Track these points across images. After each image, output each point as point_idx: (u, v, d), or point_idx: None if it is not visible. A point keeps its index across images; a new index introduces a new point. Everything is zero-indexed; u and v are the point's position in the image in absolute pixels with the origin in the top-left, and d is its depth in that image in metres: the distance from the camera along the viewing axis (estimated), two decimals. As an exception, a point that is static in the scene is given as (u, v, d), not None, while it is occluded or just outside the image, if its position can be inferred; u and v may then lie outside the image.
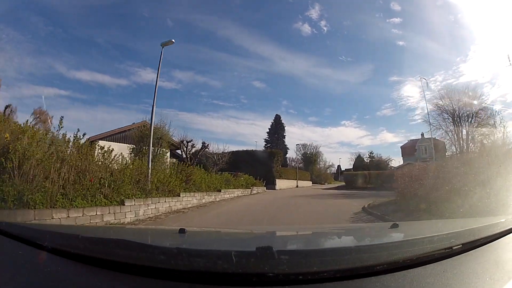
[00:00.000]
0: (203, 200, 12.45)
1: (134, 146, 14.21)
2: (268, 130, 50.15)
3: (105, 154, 7.74)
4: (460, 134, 23.86)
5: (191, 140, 21.55)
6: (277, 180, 29.42)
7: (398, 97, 71.12)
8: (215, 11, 57.93)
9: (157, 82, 11.27)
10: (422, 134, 37.28)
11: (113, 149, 8.22)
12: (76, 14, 46.65)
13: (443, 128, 24.61)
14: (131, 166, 8.62)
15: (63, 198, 5.76)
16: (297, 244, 1.48)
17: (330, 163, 61.19)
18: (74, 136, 7.12)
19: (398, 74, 59.66)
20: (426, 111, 23.67)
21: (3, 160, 5.09)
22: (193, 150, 21.69)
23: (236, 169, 21.75)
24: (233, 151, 29.65)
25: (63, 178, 5.89)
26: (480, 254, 1.01)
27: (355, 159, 53.89)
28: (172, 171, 11.60)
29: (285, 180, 32.25)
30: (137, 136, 14.55)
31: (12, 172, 5.11)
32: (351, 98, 69.24)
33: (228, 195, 15.66)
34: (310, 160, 50.02)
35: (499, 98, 23.99)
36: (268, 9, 55.92)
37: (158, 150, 13.92)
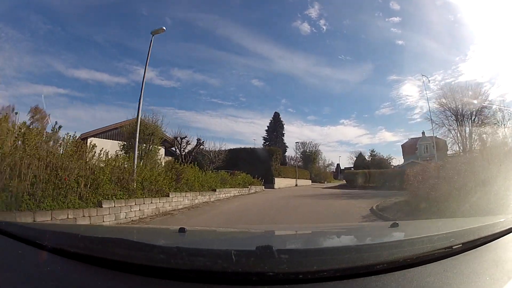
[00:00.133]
0: (196, 201, 11.59)
1: (125, 143, 13.47)
2: (266, 128, 49.94)
3: (86, 149, 7.07)
4: (464, 132, 23.49)
5: (185, 137, 20.79)
6: (276, 179, 29.05)
7: (397, 96, 71.22)
8: (214, 10, 58.13)
9: (146, 71, 10.89)
10: (423, 133, 37.30)
11: (95, 144, 7.65)
12: (75, 12, 46.77)
13: (446, 126, 24.29)
14: (114, 163, 7.77)
15: (29, 199, 5.09)
16: (297, 243, 1.48)
17: (330, 162, 61.26)
18: (52, 129, 6.57)
19: (397, 73, 59.86)
20: (425, 110, 23.69)
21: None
22: (188, 147, 21.07)
23: (233, 168, 21.14)
24: (230, 149, 29.14)
25: (34, 176, 5.20)
26: (480, 254, 1.01)
27: (356, 158, 53.73)
28: (162, 169, 10.82)
29: (284, 178, 31.90)
30: (128, 132, 13.53)
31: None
32: (350, 97, 69.43)
33: (223, 195, 14.84)
34: (309, 158, 49.82)
35: (499, 98, 23.77)
36: (268, 8, 55.96)
37: (150, 147, 13.31)
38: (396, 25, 54.89)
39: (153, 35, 10.89)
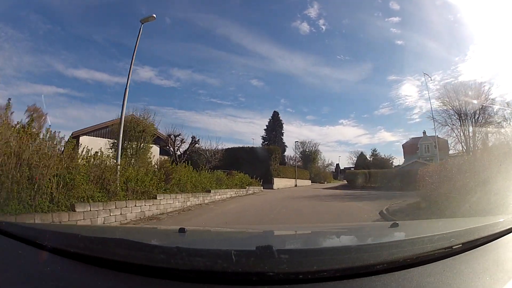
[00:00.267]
0: (188, 203, 10.59)
1: (115, 141, 12.42)
2: (265, 128, 49.42)
3: (69, 146, 6.39)
4: (467, 131, 23.07)
5: (179, 134, 19.97)
6: (275, 179, 28.44)
7: (396, 96, 71.56)
8: (213, 9, 58.17)
9: (133, 60, 10.03)
10: (424, 132, 37.22)
11: (74, 140, 7.15)
12: (74, 12, 46.75)
13: (449, 125, 23.82)
14: (92, 160, 6.95)
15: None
16: (297, 244, 1.48)
17: (330, 162, 61.25)
18: (28, 124, 5.87)
19: (397, 73, 60.20)
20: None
21: None
22: (184, 146, 20.25)
23: (231, 168, 20.33)
24: (228, 148, 28.49)
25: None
26: (480, 254, 1.01)
27: (357, 157, 53.59)
28: (150, 168, 10.00)
29: (283, 179, 31.39)
30: (118, 130, 13.19)
31: None
32: (349, 97, 69.75)
33: (219, 196, 13.92)
34: (309, 158, 49.61)
35: (498, 98, 23.44)
36: (267, 8, 56.12)
37: (141, 145, 12.57)
38: (396, 25, 55.04)
39: (142, 24, 10.12)
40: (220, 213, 9.51)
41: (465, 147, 22.56)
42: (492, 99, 22.85)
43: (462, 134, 23.36)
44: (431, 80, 30.01)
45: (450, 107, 23.60)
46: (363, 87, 65.49)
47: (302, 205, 11.81)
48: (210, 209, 10.33)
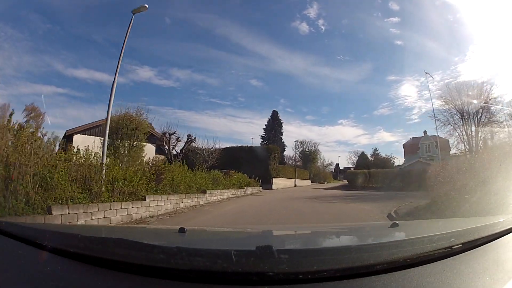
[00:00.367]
0: (181, 205, 9.95)
1: (108, 139, 12.21)
2: (264, 127, 48.69)
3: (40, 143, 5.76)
4: (470, 130, 22.57)
5: (174, 132, 19.32)
6: (274, 179, 27.96)
7: (395, 97, 71.65)
8: (213, 9, 58.20)
9: (123, 50, 9.44)
10: (425, 132, 36.96)
11: (57, 136, 6.73)
12: (74, 11, 46.70)
13: (451, 124, 23.38)
14: (75, 158, 6.44)
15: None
16: (297, 243, 1.48)
17: (329, 162, 61.12)
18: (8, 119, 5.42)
19: (396, 74, 60.20)
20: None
21: None
22: (180, 145, 19.69)
23: (229, 167, 19.80)
24: (226, 147, 28.08)
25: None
26: (480, 254, 1.01)
27: (358, 157, 53.46)
28: (139, 167, 9.42)
29: (283, 179, 31.01)
30: (110, 127, 12.27)
31: None
32: (348, 97, 69.77)
33: (215, 197, 13.22)
34: (308, 158, 49.27)
35: (498, 98, 23.30)
36: (267, 8, 56.13)
37: (134, 143, 12.00)
38: (395, 25, 55.15)
39: (134, 14, 9.59)
40: (216, 216, 8.98)
41: (467, 147, 22.22)
42: (494, 98, 22.44)
43: (464, 133, 22.95)
44: (432, 79, 29.80)
45: (452, 106, 23.21)
46: (363, 87, 65.62)
47: (304, 207, 11.17)
48: (205, 211, 9.72)
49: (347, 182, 34.55)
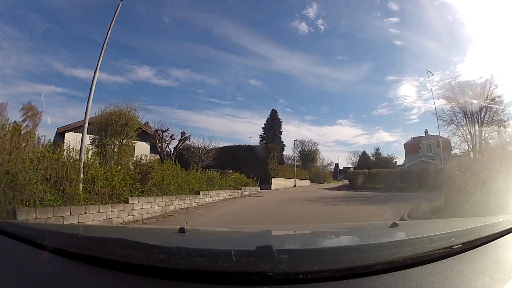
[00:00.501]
0: (171, 207, 9.10)
1: (97, 137, 11.41)
2: (263, 126, 48.00)
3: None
4: (473, 130, 22.36)
5: (167, 129, 18.53)
6: (273, 179, 27.23)
7: (394, 97, 71.58)
8: (212, 9, 58.10)
9: (108, 36, 8.40)
10: (426, 131, 36.84)
11: (29, 131, 6.22)
12: (73, 11, 46.68)
13: (455, 123, 23.09)
14: (47, 155, 5.81)
15: None
16: (297, 244, 1.48)
17: (329, 162, 61.04)
18: None
19: (395, 74, 60.16)
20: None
21: None
22: (173, 143, 18.97)
23: (227, 167, 19.19)
24: (224, 146, 27.50)
25: None
26: (480, 254, 1.01)
27: (360, 156, 53.25)
28: (123, 166, 8.64)
29: (282, 179, 30.52)
30: (99, 123, 11.44)
31: None
32: (347, 97, 69.74)
33: (209, 199, 12.36)
34: (308, 157, 48.96)
35: (497, 99, 23.15)
36: (266, 8, 56.02)
37: (124, 141, 11.31)
38: (395, 25, 54.90)
39: (121, 1, 8.79)
40: (208, 220, 8.30)
41: (471, 146, 22.07)
42: (498, 96, 22.27)
43: (468, 132, 22.69)
44: (434, 76, 29.61)
45: (456, 104, 23.01)
46: (362, 87, 65.55)
47: (306, 210, 10.27)
48: (197, 215, 8.93)
49: (347, 182, 33.77)
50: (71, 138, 7.96)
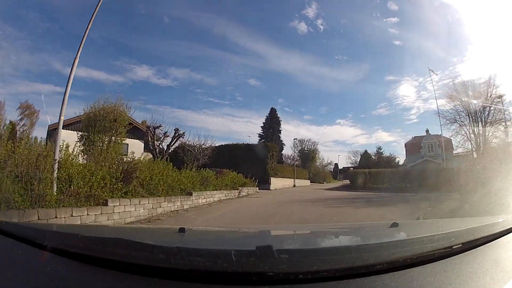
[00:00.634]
0: (159, 210, 8.20)
1: (85, 134, 10.84)
2: (262, 125, 47.24)
3: None
4: (477, 129, 21.98)
5: (160, 126, 17.31)
6: (272, 179, 26.40)
7: (393, 97, 71.19)
8: (211, 9, 58.08)
9: (91, 23, 7.89)
10: (427, 131, 36.72)
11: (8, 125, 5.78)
12: (72, 10, 46.50)
13: (458, 122, 22.75)
14: (18, 150, 5.29)
15: None
16: (297, 243, 1.48)
17: (329, 161, 60.91)
18: None
19: (394, 74, 60.18)
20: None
21: None
22: (167, 140, 17.96)
23: (224, 166, 18.26)
24: (221, 144, 26.79)
25: None
26: (480, 254, 1.01)
27: (361, 156, 53.13)
28: (103, 164, 7.53)
29: (281, 178, 29.83)
30: (87, 119, 10.79)
31: None
32: (346, 97, 69.57)
33: (203, 200, 11.41)
34: (307, 157, 48.69)
35: (496, 99, 23.06)
36: (265, 7, 55.80)
37: (112, 138, 10.65)
38: (394, 25, 54.87)
39: None
40: (199, 224, 7.33)
41: (474, 146, 21.78)
42: (502, 95, 21.80)
43: (471, 131, 22.35)
44: (436, 76, 29.42)
45: (459, 103, 22.72)
46: (361, 87, 65.39)
47: (308, 213, 9.43)
48: (187, 219, 8.02)
49: (348, 182, 32.82)
50: (62, 135, 7.58)
